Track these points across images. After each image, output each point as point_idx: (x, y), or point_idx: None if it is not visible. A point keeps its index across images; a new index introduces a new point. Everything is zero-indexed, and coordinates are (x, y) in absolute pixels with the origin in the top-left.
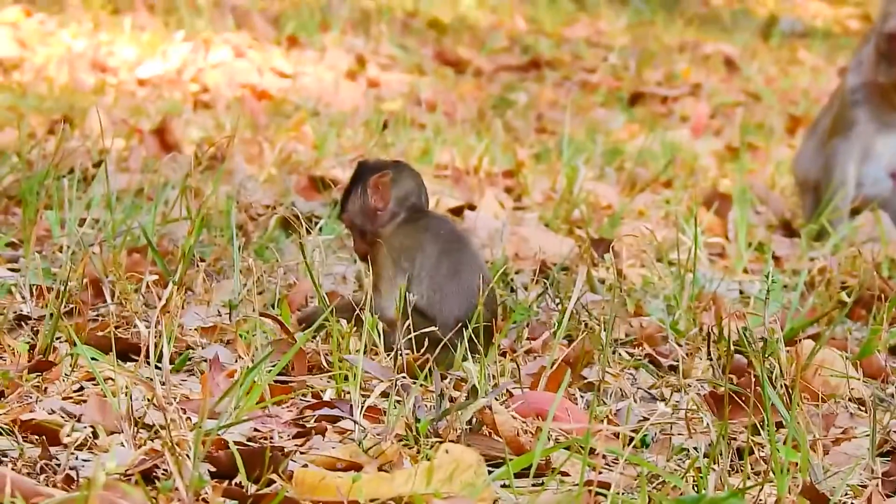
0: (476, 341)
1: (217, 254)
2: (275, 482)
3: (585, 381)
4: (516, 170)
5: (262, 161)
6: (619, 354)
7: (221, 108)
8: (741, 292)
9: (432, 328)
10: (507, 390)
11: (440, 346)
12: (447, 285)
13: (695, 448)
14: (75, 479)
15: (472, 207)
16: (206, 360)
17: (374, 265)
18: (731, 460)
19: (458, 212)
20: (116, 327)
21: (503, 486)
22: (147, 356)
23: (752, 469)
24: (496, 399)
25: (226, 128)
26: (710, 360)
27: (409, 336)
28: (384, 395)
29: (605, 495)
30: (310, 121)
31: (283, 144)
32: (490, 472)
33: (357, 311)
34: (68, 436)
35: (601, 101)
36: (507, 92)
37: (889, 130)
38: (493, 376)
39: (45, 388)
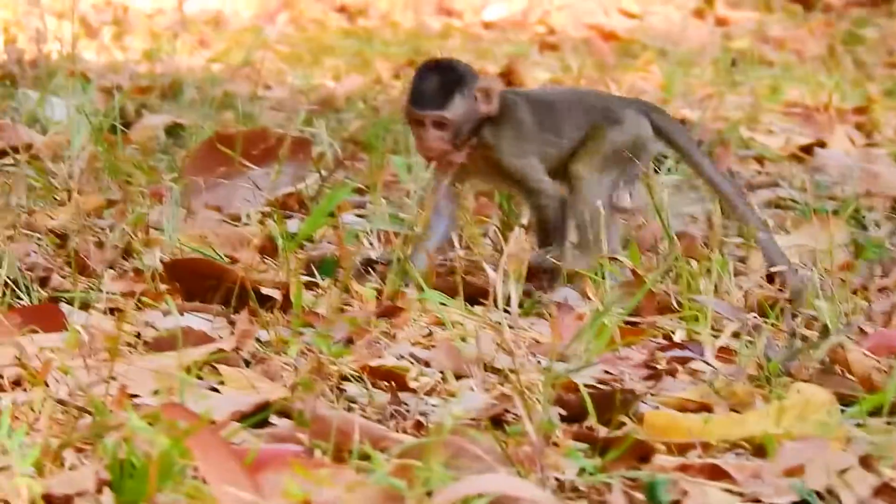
0: None
1: None
2: (625, 424)
3: None
4: (867, 106)
5: None
6: None
7: (568, 50)
8: None
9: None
10: (860, 328)
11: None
12: None
13: None
14: (424, 424)
15: (822, 144)
16: (554, 304)
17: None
18: None
19: (808, 149)
20: (465, 273)
21: (856, 425)
22: (495, 300)
23: None
24: (848, 337)
25: (573, 69)
26: None
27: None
28: (735, 335)
29: None
30: (657, 60)
31: (630, 84)
32: (842, 412)
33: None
34: (416, 380)
35: None
36: (857, 27)
37: None
38: (845, 314)
39: (394, 334)
